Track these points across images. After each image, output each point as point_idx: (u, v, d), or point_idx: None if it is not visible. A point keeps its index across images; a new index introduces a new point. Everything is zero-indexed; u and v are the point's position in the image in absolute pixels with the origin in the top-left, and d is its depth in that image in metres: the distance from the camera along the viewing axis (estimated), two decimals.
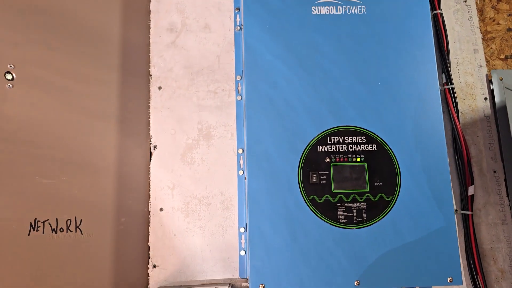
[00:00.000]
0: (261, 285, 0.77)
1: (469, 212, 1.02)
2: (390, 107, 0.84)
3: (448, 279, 0.78)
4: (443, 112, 1.02)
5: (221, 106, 1.08)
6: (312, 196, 0.80)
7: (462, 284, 0.78)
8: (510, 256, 1.03)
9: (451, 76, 1.09)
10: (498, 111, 1.05)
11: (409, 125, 0.84)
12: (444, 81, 1.09)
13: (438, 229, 0.80)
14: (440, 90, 1.06)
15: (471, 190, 1.03)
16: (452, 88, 1.08)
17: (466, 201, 1.03)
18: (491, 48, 1.18)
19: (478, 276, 1.00)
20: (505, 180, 1.07)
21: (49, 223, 0.77)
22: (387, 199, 0.80)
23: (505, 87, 0.99)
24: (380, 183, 0.81)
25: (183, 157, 1.05)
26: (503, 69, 1.16)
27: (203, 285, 0.97)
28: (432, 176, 0.82)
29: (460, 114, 1.10)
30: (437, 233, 0.80)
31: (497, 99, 1.04)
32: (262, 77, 0.84)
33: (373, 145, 0.83)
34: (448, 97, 1.08)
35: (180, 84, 1.08)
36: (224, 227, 1.02)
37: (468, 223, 1.02)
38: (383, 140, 0.83)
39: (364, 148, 0.83)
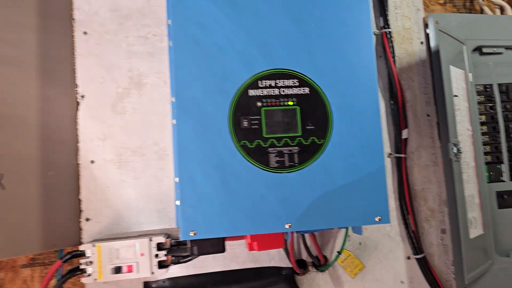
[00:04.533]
0: (192, 232, 0.76)
1: (403, 155, 1.04)
2: (323, 49, 0.82)
3: (377, 218, 0.80)
4: (380, 56, 1.01)
5: (153, 53, 1.03)
6: (243, 141, 0.78)
7: (389, 222, 0.80)
8: (440, 196, 1.07)
9: (389, 19, 1.08)
10: (433, 55, 1.05)
11: (342, 68, 0.82)
12: (382, 24, 1.08)
13: (367, 171, 0.81)
14: (378, 34, 1.05)
15: (404, 134, 1.05)
16: (389, 32, 1.07)
17: (400, 145, 1.05)
18: None
19: (409, 215, 1.03)
20: (437, 123, 1.10)
21: None
22: (318, 143, 0.80)
23: (439, 30, 0.98)
24: (312, 127, 0.80)
25: (113, 107, 1.00)
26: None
27: (139, 236, 0.95)
28: (364, 120, 0.81)
29: (397, 58, 1.10)
30: (366, 175, 0.80)
31: (432, 43, 1.04)
32: (190, 18, 0.80)
33: (306, 88, 0.81)
34: (385, 41, 1.07)
35: (108, 29, 1.01)
36: (159, 177, 0.99)
37: (401, 166, 1.05)
38: (315, 84, 0.81)
39: (297, 91, 0.81)
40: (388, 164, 1.06)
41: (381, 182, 0.81)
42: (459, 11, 1.24)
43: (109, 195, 0.97)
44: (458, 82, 1.05)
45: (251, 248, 0.84)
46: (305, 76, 0.81)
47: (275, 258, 1.00)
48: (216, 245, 0.83)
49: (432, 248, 1.06)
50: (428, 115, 1.10)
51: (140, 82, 1.01)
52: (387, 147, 1.07)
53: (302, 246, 1.00)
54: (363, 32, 0.85)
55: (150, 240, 0.90)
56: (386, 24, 1.08)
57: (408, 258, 1.05)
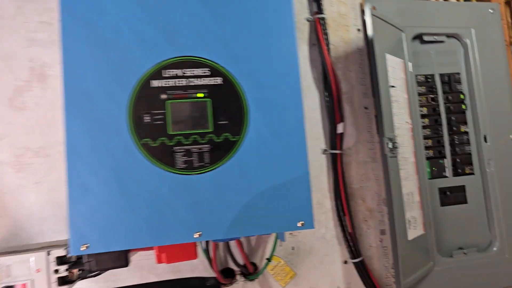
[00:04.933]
0: (83, 246, 0.65)
1: (338, 151, 0.96)
2: (239, 35, 0.73)
3: (299, 223, 0.71)
4: (314, 44, 0.93)
5: (57, 40, 0.90)
6: (145, 139, 0.68)
7: (313, 227, 0.72)
8: (379, 194, 1.00)
9: (323, 4, 0.99)
10: (370, 43, 0.97)
11: (260, 56, 0.73)
12: (315, 10, 0.99)
13: (289, 171, 0.72)
14: (311, 20, 0.96)
15: (340, 128, 0.96)
16: (323, 18, 0.99)
17: (336, 140, 0.97)
18: None
19: (345, 216, 0.95)
20: (375, 116, 1.02)
21: None
22: (232, 140, 0.71)
23: (374, 15, 0.90)
24: (226, 122, 0.71)
25: (11, 102, 0.87)
26: None
27: (41, 248, 0.84)
28: (285, 114, 0.73)
29: (332, 46, 1.01)
30: (288, 176, 0.72)
31: (369, 31, 0.96)
32: None
33: (218, 78, 0.71)
34: (319, 27, 0.99)
35: (4, 13, 0.89)
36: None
37: (337, 163, 0.96)
38: (229, 73, 0.72)
39: (208, 82, 0.71)
40: (323, 161, 0.98)
41: (304, 183, 0.73)
42: None
43: (7, 201, 0.85)
44: (396, 72, 0.97)
45: (159, 260, 0.74)
46: (218, 64, 0.72)
47: (198, 267, 0.91)
48: (117, 259, 0.72)
49: (371, 251, 0.99)
50: (366, 108, 1.02)
51: (43, 73, 0.89)
52: (321, 143, 0.98)
53: (233, 253, 0.91)
54: (284, 16, 0.76)
55: (48, 254, 0.79)
56: (320, 10, 0.99)
57: (345, 262, 0.97)
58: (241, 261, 0.91)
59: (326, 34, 0.99)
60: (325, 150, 0.99)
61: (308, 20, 1.00)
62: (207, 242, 0.86)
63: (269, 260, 0.91)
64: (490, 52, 1.10)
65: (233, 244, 0.90)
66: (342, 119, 0.97)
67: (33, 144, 0.88)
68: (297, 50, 0.74)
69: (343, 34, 1.03)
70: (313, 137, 0.98)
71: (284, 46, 0.74)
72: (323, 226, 0.97)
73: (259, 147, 0.72)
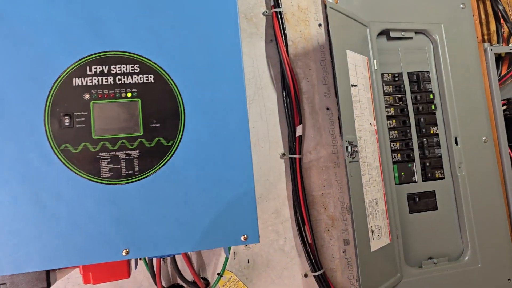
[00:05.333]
0: None
1: (296, 156, 0.89)
2: (174, 27, 0.65)
3: (242, 237, 0.64)
4: (271, 40, 0.85)
5: None
6: (64, 145, 0.60)
7: (258, 241, 0.64)
8: (342, 201, 0.92)
9: None
10: (329, 39, 0.90)
11: (198, 51, 0.66)
12: (272, 3, 0.92)
13: (231, 179, 0.64)
14: (267, 15, 0.88)
15: (298, 131, 0.89)
16: (280, 12, 0.91)
17: (294, 143, 0.89)
18: None
19: (305, 226, 0.88)
20: (338, 118, 0.95)
21: None
22: (166, 144, 0.63)
23: (333, 9, 0.83)
24: (158, 124, 0.63)
25: None
26: None
27: None
28: (226, 116, 0.65)
29: (291, 43, 0.94)
30: (230, 184, 0.64)
31: (331, 26, 0.88)
32: None
33: (150, 75, 0.64)
34: (275, 22, 0.91)
35: None
36: None
37: (295, 168, 0.89)
38: (163, 70, 0.64)
39: (138, 80, 0.63)
40: (281, 166, 0.90)
41: (248, 192, 0.65)
42: None
43: None
44: (359, 70, 0.90)
45: (86, 280, 0.66)
46: (149, 60, 0.64)
47: (143, 284, 0.82)
48: (35, 281, 0.64)
49: (333, 263, 0.91)
50: (328, 109, 0.95)
51: None
52: (280, 147, 0.91)
53: (180, 268, 0.83)
54: (226, 8, 0.68)
55: None
56: (277, 3, 0.91)
57: (306, 275, 0.90)
58: (190, 277, 0.83)
59: (284, 29, 0.91)
60: (283, 155, 0.91)
61: (265, 15, 0.93)
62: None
63: (220, 275, 0.83)
64: (461, 49, 1.04)
65: (180, 258, 0.82)
66: (301, 121, 0.90)
67: None
68: (240, 46, 0.67)
69: (303, 30, 0.95)
70: (271, 141, 0.91)
71: (226, 41, 0.67)
72: (282, 237, 0.89)
73: (196, 153, 0.64)
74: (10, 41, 0.60)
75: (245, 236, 0.64)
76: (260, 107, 0.90)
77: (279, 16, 0.91)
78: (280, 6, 0.91)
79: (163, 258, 0.82)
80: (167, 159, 0.63)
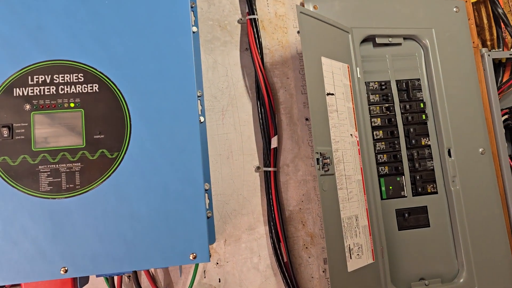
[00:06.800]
0: None
1: (271, 169, 0.84)
2: (120, 34, 0.63)
3: (191, 255, 0.59)
4: (246, 49, 0.82)
5: None
6: (2, 157, 0.58)
7: (208, 260, 0.60)
8: (321, 217, 0.86)
9: (255, 4, 0.89)
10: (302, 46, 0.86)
11: (146, 59, 0.63)
12: (247, 10, 0.89)
13: (179, 194, 0.60)
14: (242, 22, 0.85)
15: (273, 142, 0.84)
16: (255, 19, 0.88)
17: (269, 156, 0.85)
18: None
19: (280, 243, 0.83)
20: None
21: None
22: (110, 157, 0.60)
23: (301, 12, 0.79)
24: (102, 136, 0.60)
25: None
26: None
27: None
28: (175, 127, 0.61)
29: (267, 51, 0.90)
30: (177, 200, 0.60)
31: (302, 32, 0.84)
32: None
33: (94, 85, 0.61)
34: (250, 30, 0.88)
35: None
36: None
37: (270, 182, 0.84)
38: (108, 79, 0.61)
39: (81, 89, 0.61)
40: (256, 180, 0.86)
41: (197, 207, 0.61)
42: None
43: None
44: (337, 78, 0.85)
45: None
46: (94, 69, 0.61)
47: None
48: None
49: (312, 283, 0.86)
50: (307, 119, 0.90)
51: None
52: (254, 160, 0.86)
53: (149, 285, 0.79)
54: (177, 13, 0.65)
55: None
56: (252, 11, 0.88)
57: None
58: None
59: (259, 37, 0.87)
60: (258, 168, 0.87)
61: (239, 23, 0.90)
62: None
63: None
64: (454, 55, 0.97)
65: (142, 275, 0.78)
66: (276, 132, 0.85)
67: None
68: (192, 52, 0.63)
69: (281, 37, 0.91)
70: (245, 153, 0.86)
71: (176, 49, 0.64)
72: (256, 254, 0.84)
73: (143, 166, 0.61)
74: None
75: (194, 254, 0.60)
76: (234, 118, 0.86)
77: (253, 24, 0.87)
78: (255, 13, 0.88)
79: (129, 275, 0.79)
80: (111, 172, 0.60)
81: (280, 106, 0.89)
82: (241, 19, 0.90)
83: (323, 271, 0.87)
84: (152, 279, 0.78)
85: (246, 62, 0.89)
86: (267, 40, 0.91)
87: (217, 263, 0.83)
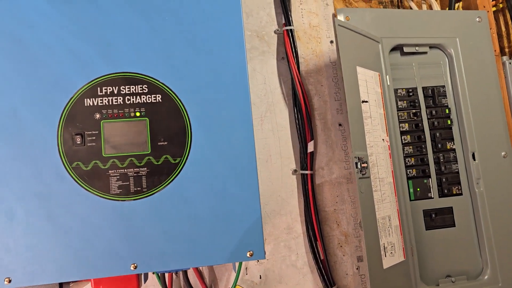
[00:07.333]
0: (6, 279, 0.59)
1: (308, 172, 0.89)
2: (180, 49, 0.68)
3: (248, 253, 0.64)
4: (283, 58, 0.87)
5: None
6: (76, 163, 0.63)
7: (264, 258, 0.65)
8: (355, 217, 0.92)
9: (291, 16, 0.94)
10: (338, 56, 0.91)
11: (204, 71, 0.68)
12: (283, 22, 0.94)
13: (237, 196, 0.65)
14: (278, 33, 0.90)
15: (310, 147, 0.90)
16: (291, 30, 0.93)
17: (306, 159, 0.90)
18: None
19: (317, 242, 0.88)
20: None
21: None
22: (173, 162, 0.65)
23: (342, 26, 0.84)
24: (165, 143, 0.65)
25: None
26: None
27: None
28: (232, 134, 0.66)
29: (302, 60, 0.95)
30: (236, 201, 0.65)
31: (340, 43, 0.89)
32: (8, 11, 0.64)
33: (157, 95, 0.66)
34: (287, 40, 0.93)
35: None
36: None
37: (307, 184, 0.89)
38: (170, 89, 0.66)
39: (146, 99, 0.66)
40: (293, 182, 0.91)
41: (253, 209, 0.66)
42: (385, 8, 1.10)
43: None
44: (370, 86, 0.90)
45: None
46: (157, 80, 0.66)
47: None
48: None
49: (347, 279, 0.91)
50: (340, 125, 0.95)
51: None
52: (291, 163, 0.91)
53: (192, 283, 0.84)
54: (232, 28, 0.70)
55: None
56: (288, 22, 0.93)
57: None
58: None
59: (295, 47, 0.93)
60: (295, 171, 0.92)
61: (276, 33, 0.95)
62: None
63: None
64: (477, 63, 1.02)
65: (192, 273, 0.83)
66: (312, 137, 0.91)
67: None
68: (246, 65, 0.68)
69: (315, 47, 0.97)
70: (283, 156, 0.92)
71: (232, 61, 0.69)
72: (294, 252, 0.89)
73: (202, 170, 0.66)
74: (26, 64, 0.64)
75: (251, 252, 0.65)
76: (272, 123, 0.91)
77: (290, 34, 0.93)
78: (291, 24, 0.93)
79: (176, 273, 0.84)
80: (174, 176, 0.65)
81: (314, 112, 0.94)
82: (277, 30, 0.95)
83: (357, 268, 0.92)
84: (200, 275, 0.83)
85: (282, 71, 0.94)
86: (302, 49, 0.96)
87: (258, 261, 0.88)
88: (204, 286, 0.82)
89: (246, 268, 0.87)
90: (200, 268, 0.84)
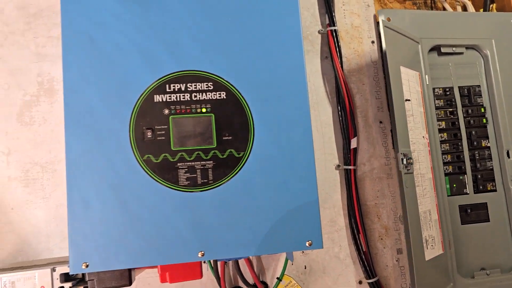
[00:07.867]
0: (84, 264, 0.63)
1: (351, 167, 0.93)
2: (243, 48, 0.71)
3: (307, 243, 0.68)
4: (326, 57, 0.90)
5: None
6: (147, 155, 0.66)
7: (322, 247, 0.69)
8: (395, 211, 0.95)
9: (335, 16, 0.97)
10: (384, 56, 0.94)
11: (265, 70, 0.71)
12: (327, 22, 0.97)
13: (296, 188, 0.69)
14: (322, 33, 0.93)
15: (353, 143, 0.93)
16: (335, 30, 0.96)
17: (349, 155, 0.93)
18: None
19: (359, 235, 0.91)
20: (391, 131, 0.98)
21: None
22: (237, 156, 0.68)
23: (386, 27, 0.87)
24: (230, 137, 0.68)
25: (19, 117, 0.88)
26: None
27: (47, 264, 0.83)
28: (291, 129, 0.70)
29: (345, 59, 0.98)
30: (295, 193, 0.69)
31: (383, 44, 0.92)
32: (83, 13, 0.68)
33: (222, 92, 0.69)
34: (331, 40, 0.96)
35: (14, 29, 0.89)
36: None
37: (350, 179, 0.93)
38: (233, 87, 0.70)
39: (211, 96, 0.69)
40: (337, 177, 0.94)
41: (312, 201, 0.70)
42: (419, 9, 1.14)
43: (14, 217, 0.85)
44: (412, 85, 0.94)
45: (163, 279, 0.72)
46: (221, 78, 0.70)
47: (207, 286, 0.88)
48: (120, 278, 0.70)
49: (387, 271, 0.94)
50: (381, 122, 0.98)
51: (51, 88, 0.89)
52: (335, 158, 0.95)
53: (242, 272, 0.88)
54: (290, 28, 0.73)
55: (53, 271, 0.77)
56: (332, 22, 0.96)
57: (360, 282, 0.93)
58: (251, 280, 0.88)
59: (338, 46, 0.96)
60: (338, 166, 0.95)
61: (320, 33, 0.98)
62: (215, 260, 0.83)
63: (279, 279, 0.88)
64: None
65: (242, 262, 0.87)
66: (355, 134, 0.94)
67: (41, 159, 0.87)
68: (304, 63, 0.72)
69: (357, 47, 1.00)
70: (327, 152, 0.95)
71: (290, 59, 0.72)
72: (337, 244, 0.93)
73: (264, 164, 0.69)
74: (100, 63, 0.68)
75: (310, 241, 0.69)
76: (316, 121, 0.95)
77: (334, 34, 0.96)
78: (335, 24, 0.96)
79: (226, 262, 0.88)
80: (238, 169, 0.68)
81: (357, 110, 0.97)
82: (321, 30, 0.98)
83: (396, 260, 0.95)
84: (250, 264, 0.86)
85: (325, 70, 0.97)
86: (344, 49, 0.99)
87: (303, 252, 0.92)
88: (253, 274, 0.86)
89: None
90: (250, 258, 0.88)
